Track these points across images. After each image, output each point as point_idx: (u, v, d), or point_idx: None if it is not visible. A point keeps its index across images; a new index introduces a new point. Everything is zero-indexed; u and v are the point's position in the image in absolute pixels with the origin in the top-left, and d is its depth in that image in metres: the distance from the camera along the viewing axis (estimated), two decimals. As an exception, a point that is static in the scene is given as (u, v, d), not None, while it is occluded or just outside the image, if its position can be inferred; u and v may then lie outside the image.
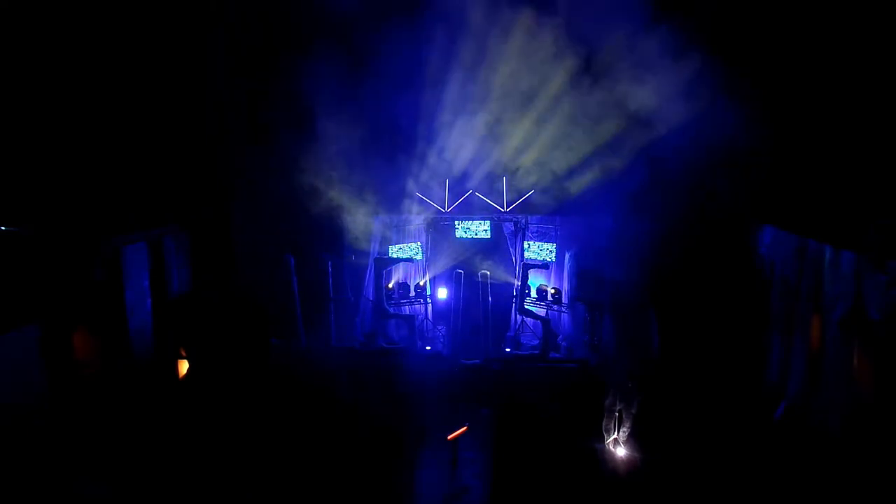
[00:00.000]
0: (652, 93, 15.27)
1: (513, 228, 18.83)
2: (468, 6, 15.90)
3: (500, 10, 15.75)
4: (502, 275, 18.59)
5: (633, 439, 13.16)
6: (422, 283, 18.90)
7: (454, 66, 16.42)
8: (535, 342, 17.58)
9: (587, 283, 16.61)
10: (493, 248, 18.91)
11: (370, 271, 18.06)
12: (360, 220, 17.81)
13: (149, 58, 15.04)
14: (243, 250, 17.05)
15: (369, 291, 18.18)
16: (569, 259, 17.90)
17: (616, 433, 13.25)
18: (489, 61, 16.31)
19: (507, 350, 17.62)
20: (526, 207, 18.11)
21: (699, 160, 14.63)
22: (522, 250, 18.61)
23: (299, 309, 17.17)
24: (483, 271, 17.90)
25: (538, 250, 18.45)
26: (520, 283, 17.77)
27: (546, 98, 16.47)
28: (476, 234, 18.67)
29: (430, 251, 18.97)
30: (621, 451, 13.09)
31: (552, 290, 18.21)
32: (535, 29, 15.73)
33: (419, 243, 18.81)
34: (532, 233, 18.72)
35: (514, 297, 18.44)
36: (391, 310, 17.94)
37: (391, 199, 17.79)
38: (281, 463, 12.44)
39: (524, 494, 11.68)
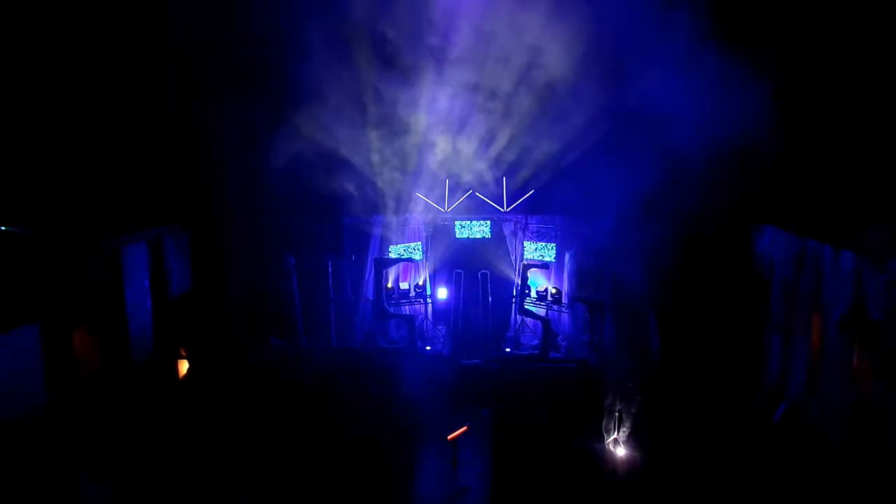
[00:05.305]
0: (654, 93, 15.23)
1: (513, 228, 18.83)
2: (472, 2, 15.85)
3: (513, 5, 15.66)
4: (502, 275, 18.59)
5: (633, 439, 13.16)
6: (421, 284, 18.90)
7: (458, 61, 16.37)
8: (535, 342, 17.57)
9: (587, 283, 16.61)
10: (493, 248, 18.91)
11: (370, 271, 18.05)
12: (361, 219, 17.80)
13: (147, 59, 15.04)
14: (243, 250, 17.03)
15: (369, 291, 18.18)
16: (569, 259, 17.90)
17: (616, 433, 13.25)
18: (500, 56, 16.22)
19: (507, 350, 17.61)
20: (526, 207, 18.11)
21: (700, 161, 14.61)
22: (522, 250, 18.61)
23: (299, 309, 17.16)
24: (483, 271, 17.91)
25: (538, 250, 18.44)
26: (520, 283, 17.77)
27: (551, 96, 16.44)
28: (476, 235, 18.67)
29: (430, 251, 18.96)
30: (621, 451, 13.09)
31: (553, 290, 18.22)
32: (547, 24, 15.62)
33: (419, 243, 18.81)
34: (532, 233, 18.72)
35: (514, 297, 18.44)
36: (391, 310, 17.92)
37: (391, 199, 17.78)
38: (281, 462, 12.45)
39: (524, 494, 11.67)
